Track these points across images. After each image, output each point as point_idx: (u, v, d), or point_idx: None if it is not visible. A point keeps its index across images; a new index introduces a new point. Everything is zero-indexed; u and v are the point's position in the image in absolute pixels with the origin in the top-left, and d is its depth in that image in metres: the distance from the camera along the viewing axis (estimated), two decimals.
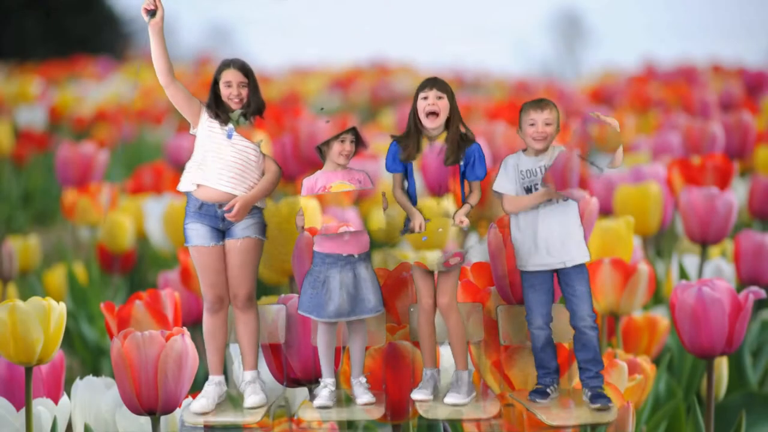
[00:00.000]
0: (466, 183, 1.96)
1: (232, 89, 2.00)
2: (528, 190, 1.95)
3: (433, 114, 1.93)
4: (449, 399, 1.93)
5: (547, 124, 1.95)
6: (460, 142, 1.94)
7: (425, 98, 1.93)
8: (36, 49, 14.91)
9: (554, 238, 1.95)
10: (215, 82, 2.02)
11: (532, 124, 1.95)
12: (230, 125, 2.00)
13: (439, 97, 1.93)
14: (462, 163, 1.95)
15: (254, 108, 2.01)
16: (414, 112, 1.95)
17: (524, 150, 1.99)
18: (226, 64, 2.01)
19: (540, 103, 1.95)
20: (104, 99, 9.14)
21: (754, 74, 7.19)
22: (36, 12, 15.80)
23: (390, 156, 1.98)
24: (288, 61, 13.04)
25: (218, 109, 2.01)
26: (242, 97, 2.00)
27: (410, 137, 1.95)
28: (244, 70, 2.01)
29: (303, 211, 1.99)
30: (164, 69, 2.01)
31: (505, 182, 1.97)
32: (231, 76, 2.01)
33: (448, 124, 1.95)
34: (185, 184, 2.00)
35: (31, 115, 7.89)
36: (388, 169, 1.98)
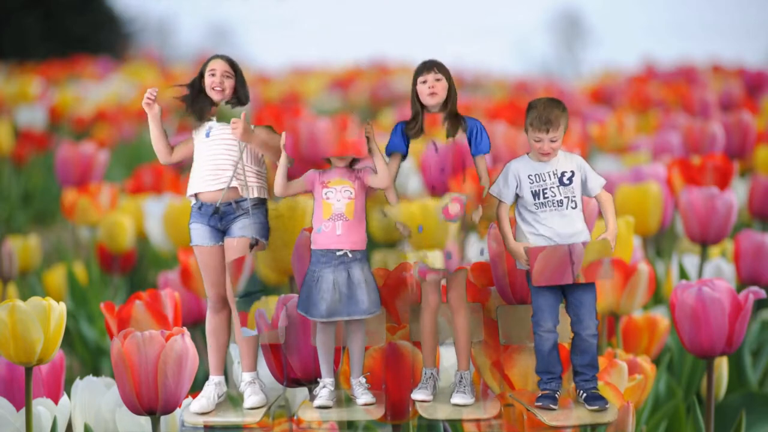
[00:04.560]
0: (467, 173, 1.98)
1: (215, 78, 2.02)
2: (535, 195, 1.95)
3: (433, 95, 1.97)
4: (456, 399, 1.93)
5: (553, 141, 1.94)
6: (457, 116, 1.98)
7: (424, 82, 1.97)
8: (36, 49, 14.91)
9: (560, 237, 1.94)
10: (200, 76, 2.03)
11: (538, 141, 1.95)
12: (209, 124, 2.01)
13: (437, 79, 1.97)
14: (466, 136, 1.98)
15: (239, 99, 2.03)
16: (415, 94, 1.98)
17: (529, 153, 1.99)
18: (212, 57, 2.04)
19: (547, 126, 1.94)
20: (104, 99, 9.14)
21: (754, 74, 7.19)
22: (36, 12, 15.80)
23: (394, 134, 1.99)
24: (288, 61, 13.06)
25: (195, 104, 2.01)
26: (224, 87, 2.01)
27: (416, 118, 1.99)
28: (231, 62, 2.03)
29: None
30: (164, 150, 2.06)
31: (502, 188, 1.97)
32: (216, 65, 2.03)
33: (446, 102, 1.98)
34: (187, 192, 2.02)
35: (31, 115, 7.88)
36: (392, 147, 1.99)
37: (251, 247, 1.99)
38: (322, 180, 1.97)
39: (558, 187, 1.95)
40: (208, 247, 2.00)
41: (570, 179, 1.95)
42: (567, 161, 1.96)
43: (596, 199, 1.98)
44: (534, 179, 1.95)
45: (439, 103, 1.97)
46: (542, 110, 1.94)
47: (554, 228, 1.94)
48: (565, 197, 1.95)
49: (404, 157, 2.00)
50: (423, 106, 1.98)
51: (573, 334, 1.96)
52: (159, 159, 2.07)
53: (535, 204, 1.95)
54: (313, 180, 1.98)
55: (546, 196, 1.95)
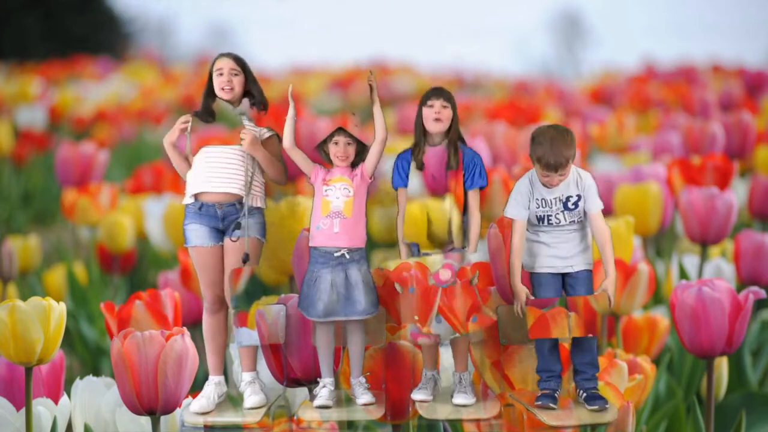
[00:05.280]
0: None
1: (223, 77, 2.01)
2: (540, 219, 1.95)
3: (438, 120, 1.98)
4: (458, 400, 1.94)
5: (562, 176, 1.93)
6: (458, 145, 2.00)
7: (431, 106, 1.99)
8: (36, 49, 14.91)
9: (562, 242, 1.95)
10: (210, 78, 2.03)
11: (547, 177, 1.93)
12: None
13: (444, 107, 1.99)
14: (462, 169, 1.99)
15: (257, 100, 2.03)
16: (420, 121, 2.00)
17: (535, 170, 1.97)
18: (219, 55, 2.03)
19: (556, 167, 1.91)
20: (104, 99, 9.14)
21: (754, 74, 7.18)
22: (36, 12, 15.80)
23: (396, 170, 2.00)
24: (288, 61, 13.06)
25: (209, 109, 2.01)
26: (233, 85, 2.01)
27: (419, 146, 2.01)
28: (237, 60, 2.02)
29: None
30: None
31: (518, 210, 1.96)
32: (222, 64, 2.02)
33: (448, 132, 2.00)
34: (185, 197, 2.01)
35: (31, 115, 7.88)
36: (395, 185, 2.01)
37: (243, 262, 1.99)
38: (324, 177, 1.97)
39: (563, 212, 1.94)
40: (208, 247, 1.99)
41: (575, 203, 1.94)
42: (573, 184, 1.94)
43: (592, 224, 1.96)
44: (540, 203, 1.94)
45: (442, 131, 1.99)
46: (549, 149, 1.90)
47: (557, 237, 1.94)
48: (570, 221, 1.95)
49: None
50: (425, 135, 2.00)
51: None
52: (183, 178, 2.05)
53: (538, 225, 1.95)
54: (317, 174, 1.98)
55: (550, 222, 1.95)
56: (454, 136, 2.00)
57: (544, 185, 1.94)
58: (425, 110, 1.99)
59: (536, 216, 1.95)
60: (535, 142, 1.92)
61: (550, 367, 1.96)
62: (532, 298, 1.94)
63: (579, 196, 1.94)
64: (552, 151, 1.90)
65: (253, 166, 2.00)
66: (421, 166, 2.00)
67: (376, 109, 1.98)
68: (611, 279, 1.94)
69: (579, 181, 1.95)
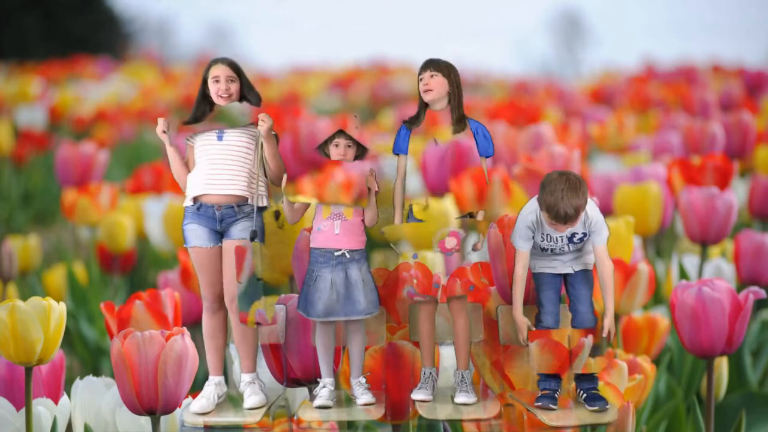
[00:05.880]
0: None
1: (220, 84, 1.99)
2: (544, 250, 1.95)
3: (428, 91, 1.97)
4: (460, 399, 1.94)
5: (570, 226, 1.91)
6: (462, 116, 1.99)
7: (421, 80, 1.98)
8: (36, 49, 14.92)
9: (563, 253, 1.95)
10: (204, 82, 2.02)
11: (554, 225, 1.91)
12: (218, 128, 2.00)
13: (432, 76, 1.97)
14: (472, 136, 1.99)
15: (249, 102, 2.02)
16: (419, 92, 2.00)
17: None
18: (214, 61, 2.02)
19: (566, 219, 1.88)
20: (104, 99, 9.15)
21: (754, 74, 7.19)
22: (36, 12, 15.81)
23: (398, 136, 1.99)
24: (288, 61, 13.06)
25: (198, 109, 2.00)
26: (230, 93, 2.00)
27: (418, 114, 1.99)
28: (233, 66, 2.01)
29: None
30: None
31: (521, 240, 1.95)
32: (218, 71, 2.00)
33: (449, 100, 1.98)
34: (186, 200, 2.01)
35: (31, 115, 7.89)
36: (397, 149, 1.99)
37: (251, 239, 1.98)
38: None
39: (567, 245, 1.94)
40: (207, 248, 1.99)
41: (581, 239, 1.94)
42: (580, 223, 1.92)
43: (596, 257, 1.95)
44: (545, 238, 1.94)
45: (435, 99, 1.97)
46: (560, 201, 1.87)
47: (559, 253, 1.95)
48: (575, 251, 1.95)
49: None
50: (426, 105, 1.99)
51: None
52: (183, 188, 2.05)
53: (542, 253, 1.96)
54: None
55: (555, 252, 1.95)
56: (455, 106, 1.97)
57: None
58: (419, 84, 1.98)
59: (541, 247, 1.95)
60: (545, 191, 1.89)
61: None
62: (534, 329, 1.94)
63: (585, 233, 1.94)
64: (562, 203, 1.87)
65: (258, 166, 2.00)
66: (416, 124, 1.99)
67: (370, 198, 1.97)
68: (610, 317, 1.94)
69: (586, 219, 1.93)
